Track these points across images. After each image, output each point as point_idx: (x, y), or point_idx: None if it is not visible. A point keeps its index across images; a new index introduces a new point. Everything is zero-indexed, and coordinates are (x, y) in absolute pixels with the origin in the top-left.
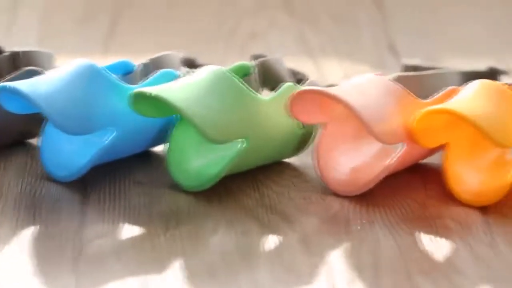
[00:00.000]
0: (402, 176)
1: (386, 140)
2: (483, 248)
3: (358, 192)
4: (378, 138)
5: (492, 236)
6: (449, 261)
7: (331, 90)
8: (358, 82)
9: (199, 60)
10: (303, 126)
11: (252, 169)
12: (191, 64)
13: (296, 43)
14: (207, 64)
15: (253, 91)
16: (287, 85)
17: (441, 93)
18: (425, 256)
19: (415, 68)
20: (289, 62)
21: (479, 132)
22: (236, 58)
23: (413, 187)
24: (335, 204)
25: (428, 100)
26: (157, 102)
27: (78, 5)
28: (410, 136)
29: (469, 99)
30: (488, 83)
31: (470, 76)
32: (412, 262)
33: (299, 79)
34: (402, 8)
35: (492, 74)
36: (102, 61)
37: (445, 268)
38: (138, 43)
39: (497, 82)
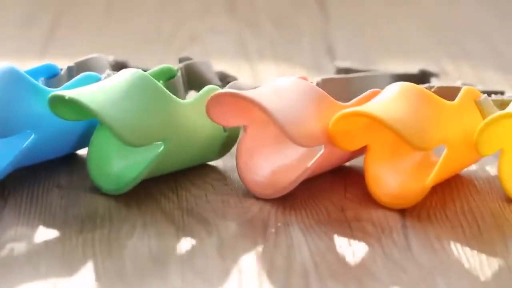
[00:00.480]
0: (324, 178)
1: (303, 143)
2: (398, 251)
3: (278, 195)
4: (294, 140)
5: (407, 239)
6: (363, 265)
7: (247, 93)
8: (277, 85)
9: (131, 63)
10: (226, 129)
11: (175, 172)
12: (122, 67)
13: (235, 46)
14: (140, 67)
15: (174, 94)
16: (209, 88)
17: (362, 96)
18: (339, 260)
19: (347, 71)
20: (225, 65)
21: (394, 134)
22: (173, 61)
23: (334, 189)
24: (254, 207)
25: (348, 103)
26: (75, 105)
27: (18, 9)
28: (329, 139)
29: (387, 101)
30: (408, 85)
31: (401, 78)
32: (324, 266)
33: (229, 82)
34: (345, 12)
35: (423, 76)
36: (38, 64)
37: (358, 272)
38: (78, 46)
39: (418, 85)
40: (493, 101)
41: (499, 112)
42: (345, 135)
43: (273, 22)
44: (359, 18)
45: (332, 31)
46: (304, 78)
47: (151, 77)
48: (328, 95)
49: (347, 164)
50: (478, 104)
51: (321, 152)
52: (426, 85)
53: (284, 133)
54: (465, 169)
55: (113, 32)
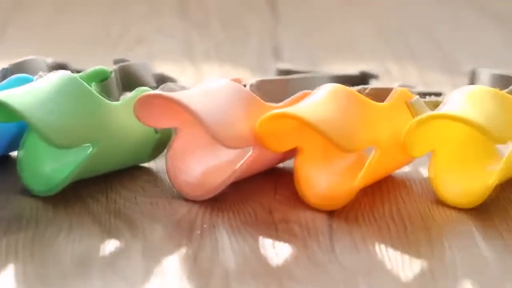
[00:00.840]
0: (256, 180)
1: (231, 144)
2: (322, 253)
3: (207, 196)
4: (221, 142)
5: (332, 241)
6: (285, 267)
7: (174, 95)
8: (207, 87)
9: (72, 65)
10: (159, 131)
11: (107, 173)
12: (61, 69)
13: (181, 48)
14: (80, 69)
15: (107, 95)
16: (140, 89)
17: (293, 97)
18: (261, 261)
19: (288, 72)
20: (170, 66)
21: (320, 136)
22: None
23: (264, 191)
24: (182, 209)
25: (278, 104)
26: (2, 107)
27: None
28: (257, 141)
29: (315, 103)
30: (337, 87)
31: (341, 80)
32: (246, 267)
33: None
34: (295, 13)
35: (363, 77)
36: None
37: (279, 273)
38: (25, 47)
39: (349, 87)
40: (428, 102)
41: (426, 113)
42: (273, 137)
43: (223, 24)
44: (308, 19)
45: (281, 32)
46: (238, 80)
47: (79, 79)
48: (257, 97)
49: (280, 165)
50: (409, 105)
51: (249, 154)
52: (360, 86)
53: (211, 134)
54: (398, 171)
55: (61, 33)
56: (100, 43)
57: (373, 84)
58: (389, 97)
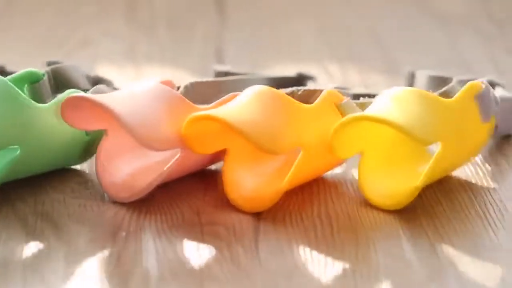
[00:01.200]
0: (186, 181)
1: (156, 146)
2: (246, 255)
3: (134, 198)
4: (145, 144)
5: (257, 243)
6: (207, 269)
7: (97, 97)
8: (133, 89)
9: (8, 67)
10: (88, 133)
11: (38, 175)
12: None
13: (126, 50)
14: (15, 72)
15: (38, 97)
16: (68, 92)
17: (221, 99)
18: (184, 264)
19: (226, 74)
20: (112, 69)
21: (242, 138)
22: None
23: (194, 193)
24: (110, 212)
25: (206, 106)
26: None
27: None
28: (182, 143)
29: (239, 105)
30: (263, 89)
31: (277, 82)
32: (168, 269)
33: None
34: (243, 15)
35: (300, 79)
36: None
37: (200, 275)
38: None
39: (276, 89)
40: (361, 104)
41: (351, 115)
42: (198, 139)
43: (170, 26)
44: (256, 20)
45: (226, 34)
46: (168, 82)
47: (4, 81)
48: (185, 99)
49: (212, 167)
50: (339, 107)
51: (177, 156)
52: (290, 89)
53: (134, 136)
54: (330, 172)
55: (9, 35)
56: (47, 45)
57: (310, 85)
58: (318, 99)
